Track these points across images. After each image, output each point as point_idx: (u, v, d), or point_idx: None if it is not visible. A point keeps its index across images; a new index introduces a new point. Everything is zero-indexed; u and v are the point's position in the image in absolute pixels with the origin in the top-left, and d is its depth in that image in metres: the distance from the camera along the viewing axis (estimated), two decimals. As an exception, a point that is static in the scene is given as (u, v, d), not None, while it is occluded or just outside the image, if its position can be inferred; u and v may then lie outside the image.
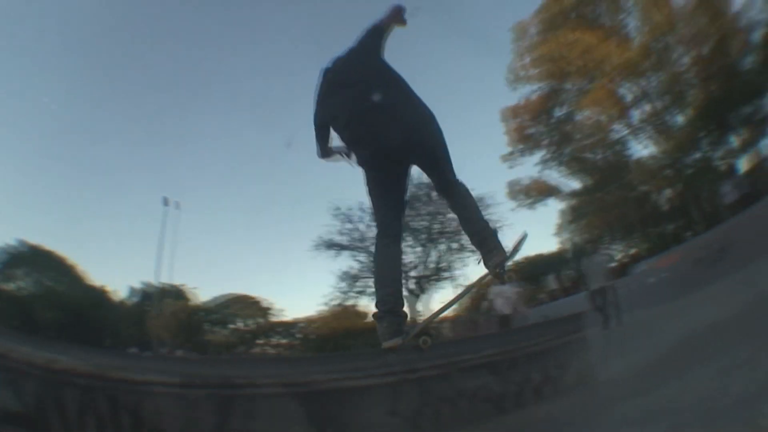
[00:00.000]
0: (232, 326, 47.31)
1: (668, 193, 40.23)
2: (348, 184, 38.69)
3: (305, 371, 4.99)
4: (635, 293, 16.21)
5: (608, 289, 13.58)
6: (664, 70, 36.02)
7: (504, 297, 14.47)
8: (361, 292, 38.10)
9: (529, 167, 43.95)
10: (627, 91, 37.39)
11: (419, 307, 35.98)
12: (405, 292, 33.16)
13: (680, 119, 36.57)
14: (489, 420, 4.47)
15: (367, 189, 3.57)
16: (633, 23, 37.63)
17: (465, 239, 31.96)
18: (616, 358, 5.14)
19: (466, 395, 4.82)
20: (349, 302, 39.95)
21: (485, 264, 3.42)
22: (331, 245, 37.47)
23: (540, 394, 4.55)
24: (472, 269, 41.81)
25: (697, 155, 35.59)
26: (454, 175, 3.67)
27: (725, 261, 14.40)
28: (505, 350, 4.73)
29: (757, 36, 34.59)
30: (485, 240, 3.46)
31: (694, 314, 7.58)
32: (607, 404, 4.10)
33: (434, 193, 34.00)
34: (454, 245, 37.70)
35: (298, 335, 47.37)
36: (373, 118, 3.35)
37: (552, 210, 50.23)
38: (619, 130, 38.91)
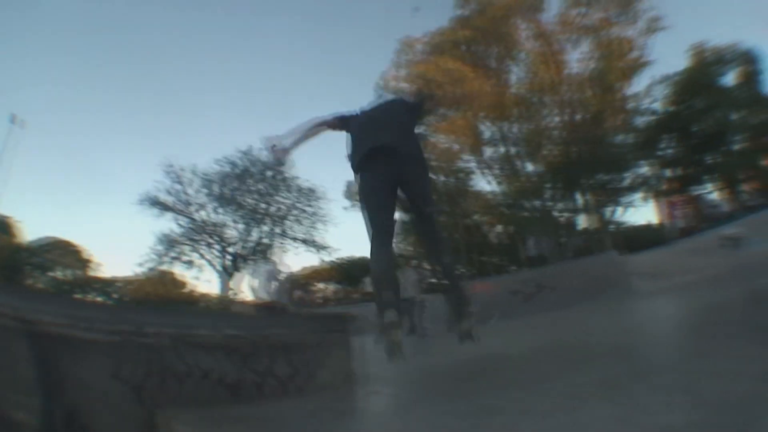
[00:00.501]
0: (51, 274, 43.82)
1: (500, 229, 44.46)
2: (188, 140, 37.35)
3: (37, 309, 4.44)
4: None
5: (415, 300, 14.47)
6: (532, 122, 39.20)
7: (410, 282, 14.69)
8: (176, 259, 37.26)
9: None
10: (487, 129, 40.11)
11: (231, 284, 36.01)
12: (220, 269, 32.47)
13: (530, 167, 39.64)
14: (220, 404, 4.26)
15: (362, 195, 4.00)
16: (518, 73, 40.64)
17: (289, 226, 31.62)
18: (382, 366, 5.22)
19: (196, 373, 4.54)
20: (164, 267, 38.87)
21: (457, 325, 4.07)
22: (156, 203, 36.18)
23: (285, 388, 4.39)
24: (290, 257, 42.03)
25: (537, 203, 38.97)
26: (433, 207, 4.29)
27: (539, 300, 15.37)
28: (249, 335, 4.50)
29: (639, 121, 41.76)
30: (459, 305, 4.07)
31: (491, 341, 8.01)
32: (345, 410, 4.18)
33: (269, 172, 33.71)
34: (277, 229, 37.80)
35: (114, 295, 44.83)
36: (386, 127, 4.10)
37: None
38: (468, 161, 41.69)
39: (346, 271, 54.54)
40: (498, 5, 37.09)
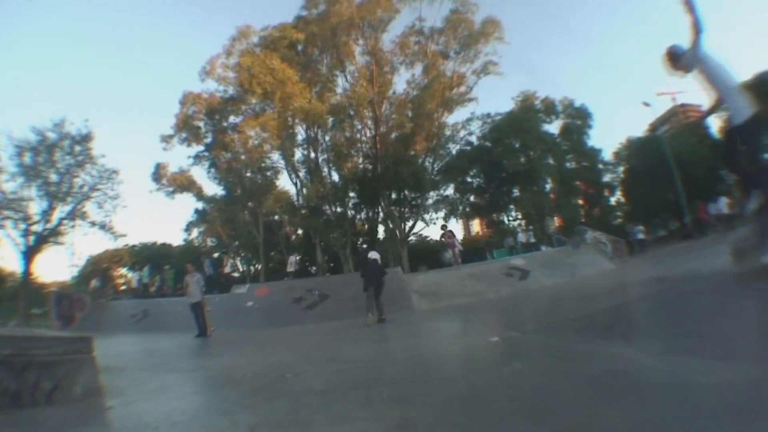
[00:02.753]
0: None
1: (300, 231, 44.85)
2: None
3: None
4: (237, 312, 16.38)
5: (200, 303, 14.75)
6: (342, 131, 40.25)
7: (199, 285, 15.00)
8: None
9: (183, 157, 43.79)
10: (300, 133, 40.96)
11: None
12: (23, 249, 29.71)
13: (335, 175, 41.08)
14: (5, 410, 4.60)
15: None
16: (343, 84, 41.58)
17: (90, 208, 29.50)
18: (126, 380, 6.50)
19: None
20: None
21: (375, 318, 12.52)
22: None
23: (51, 399, 4.95)
24: (87, 241, 39.86)
25: (339, 211, 40.46)
26: (381, 290, 13.37)
27: (320, 309, 16.54)
28: (21, 353, 4.94)
29: (452, 149, 44.74)
30: (379, 312, 12.75)
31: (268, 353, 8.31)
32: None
33: (78, 147, 31.39)
34: (81, 209, 35.41)
35: None
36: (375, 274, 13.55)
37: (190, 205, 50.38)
38: (277, 161, 42.16)
39: (148, 258, 51.81)
40: (340, 16, 37.49)
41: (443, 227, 27.83)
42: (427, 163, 42.48)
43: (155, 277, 36.45)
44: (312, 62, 40.12)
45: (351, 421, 3.21)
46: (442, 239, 24.95)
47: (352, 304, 15.28)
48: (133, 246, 61.21)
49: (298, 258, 35.98)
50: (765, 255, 5.50)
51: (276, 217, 42.68)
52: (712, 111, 6.45)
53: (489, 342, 5.84)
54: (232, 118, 39.38)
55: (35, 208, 32.60)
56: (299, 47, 39.09)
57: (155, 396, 5.36)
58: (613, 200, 53.74)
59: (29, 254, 32.15)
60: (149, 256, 54.95)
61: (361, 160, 42.32)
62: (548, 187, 46.47)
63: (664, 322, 4.94)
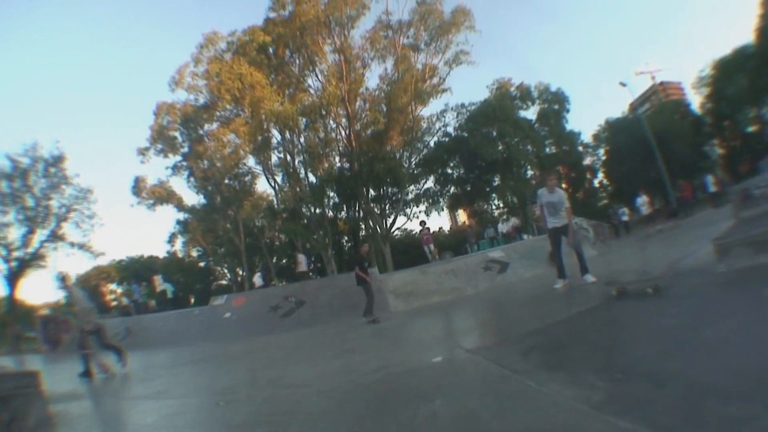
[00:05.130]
0: None
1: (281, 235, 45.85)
2: None
3: None
4: (215, 325, 16.58)
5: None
6: (318, 132, 41.15)
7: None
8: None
9: (161, 168, 44.06)
10: (276, 135, 40.84)
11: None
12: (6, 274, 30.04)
13: (311, 176, 41.18)
14: None
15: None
16: (315, 84, 41.51)
17: (68, 228, 29.76)
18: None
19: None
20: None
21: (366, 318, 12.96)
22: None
23: (11, 430, 5.33)
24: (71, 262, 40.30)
25: (318, 212, 40.80)
26: (368, 293, 13.50)
27: (297, 316, 16.63)
28: None
29: (429, 142, 45.59)
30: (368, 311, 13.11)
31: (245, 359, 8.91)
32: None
33: (52, 169, 31.41)
34: (60, 231, 36.70)
35: None
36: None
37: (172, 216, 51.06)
38: (251, 166, 42.93)
39: (135, 271, 52.17)
40: (306, 15, 37.39)
41: (422, 223, 28.05)
42: (404, 158, 42.91)
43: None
44: (283, 64, 40.48)
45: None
46: (421, 235, 25.10)
47: (328, 310, 15.78)
48: (120, 261, 61.48)
49: (312, 258, 35.93)
50: None
51: (258, 222, 43.02)
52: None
53: (430, 363, 5.85)
54: (206, 126, 39.42)
55: (15, 233, 32.88)
56: (269, 50, 39.15)
57: (99, 427, 5.69)
58: (596, 182, 54.43)
59: (13, 279, 32.41)
60: (137, 270, 55.29)
61: (337, 159, 42.85)
62: (529, 173, 46.91)
63: (620, 350, 4.62)
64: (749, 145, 44.20)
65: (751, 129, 46.82)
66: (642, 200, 31.65)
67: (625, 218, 32.48)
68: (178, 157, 40.65)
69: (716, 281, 6.57)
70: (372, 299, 13.15)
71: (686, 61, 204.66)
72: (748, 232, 7.15)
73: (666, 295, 6.58)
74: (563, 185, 48.85)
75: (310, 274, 29.14)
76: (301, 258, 29.20)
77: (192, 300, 48.17)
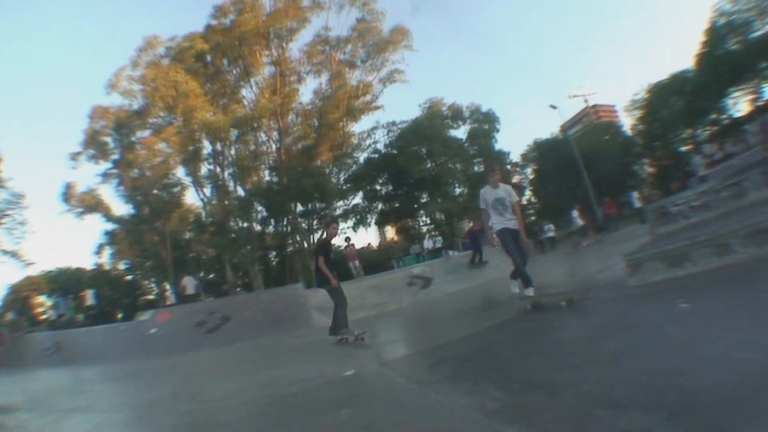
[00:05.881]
0: None
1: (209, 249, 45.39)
2: None
3: None
4: (141, 341, 16.66)
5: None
6: (246, 144, 41.51)
7: None
8: None
9: (91, 175, 43.18)
10: (205, 146, 41.13)
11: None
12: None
13: (240, 189, 42.14)
14: None
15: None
16: (249, 95, 42.21)
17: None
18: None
19: None
20: None
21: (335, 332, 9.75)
22: None
23: None
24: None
25: (245, 226, 41.58)
26: (337, 301, 9.78)
27: (223, 332, 16.26)
28: None
29: (359, 158, 46.23)
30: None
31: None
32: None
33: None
34: None
35: None
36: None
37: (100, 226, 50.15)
38: (180, 177, 42.37)
39: (63, 284, 50.89)
40: (246, 25, 38.15)
41: (346, 239, 28.67)
42: (333, 173, 43.58)
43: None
44: (219, 73, 40.60)
45: None
46: (345, 251, 25.57)
47: (252, 325, 15.83)
48: (50, 272, 59.80)
49: (200, 277, 35.57)
50: None
51: (186, 235, 42.63)
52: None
53: (342, 377, 6.09)
54: (139, 133, 38.90)
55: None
56: (207, 58, 39.33)
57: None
58: (524, 200, 55.99)
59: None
60: (64, 282, 53.88)
61: (267, 173, 43.38)
62: (458, 191, 47.78)
63: (522, 362, 4.91)
64: (680, 164, 46.06)
65: (685, 149, 49.33)
66: (575, 213, 33.11)
67: (551, 234, 33.62)
68: (109, 164, 39.84)
69: (627, 294, 7.10)
70: (343, 308, 9.79)
71: (623, 86, 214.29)
72: (660, 248, 7.76)
73: (577, 308, 7.04)
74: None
75: (201, 297, 28.78)
76: (187, 280, 28.60)
77: (119, 315, 47.18)
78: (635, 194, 38.27)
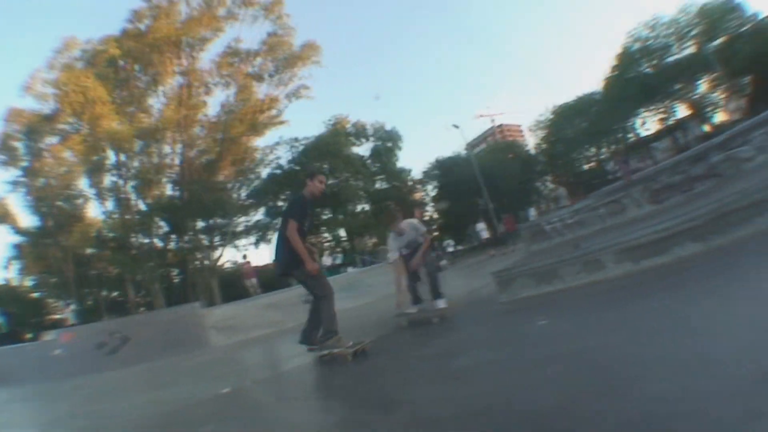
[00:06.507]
0: None
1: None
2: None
3: None
4: (45, 362, 16.59)
5: None
6: (150, 156, 40.72)
7: None
8: None
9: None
10: (109, 158, 40.11)
11: None
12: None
13: (142, 203, 41.26)
14: None
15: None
16: (157, 105, 41.78)
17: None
18: None
19: None
20: None
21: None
22: None
23: None
24: None
25: (147, 242, 41.21)
26: (321, 292, 6.43)
27: (124, 353, 15.79)
28: None
29: (262, 173, 46.56)
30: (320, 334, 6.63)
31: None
32: None
33: None
34: None
35: None
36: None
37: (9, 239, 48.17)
38: (81, 189, 41.28)
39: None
40: (159, 32, 38.28)
41: (243, 257, 29.10)
42: (235, 188, 44.42)
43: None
44: (130, 80, 39.92)
45: None
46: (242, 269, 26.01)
47: (151, 346, 15.48)
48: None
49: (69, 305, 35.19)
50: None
51: (89, 250, 41.62)
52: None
53: (219, 394, 6.13)
54: (48, 140, 38.22)
55: None
56: (120, 63, 38.61)
57: None
58: (426, 216, 57.75)
59: None
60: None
61: (169, 187, 43.02)
62: (360, 208, 49.27)
63: (372, 379, 5.11)
64: (583, 180, 49.64)
65: (587, 166, 53.82)
66: (481, 226, 34.64)
67: (450, 250, 34.59)
68: (19, 172, 38.91)
69: (496, 311, 7.24)
70: (329, 302, 6.54)
71: (535, 107, 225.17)
72: (529, 265, 7.89)
73: (446, 325, 7.18)
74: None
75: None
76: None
77: (28, 335, 45.44)
78: (533, 210, 40.31)
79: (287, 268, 6.51)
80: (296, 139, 46.80)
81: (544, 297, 7.03)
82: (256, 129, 43.00)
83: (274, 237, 42.25)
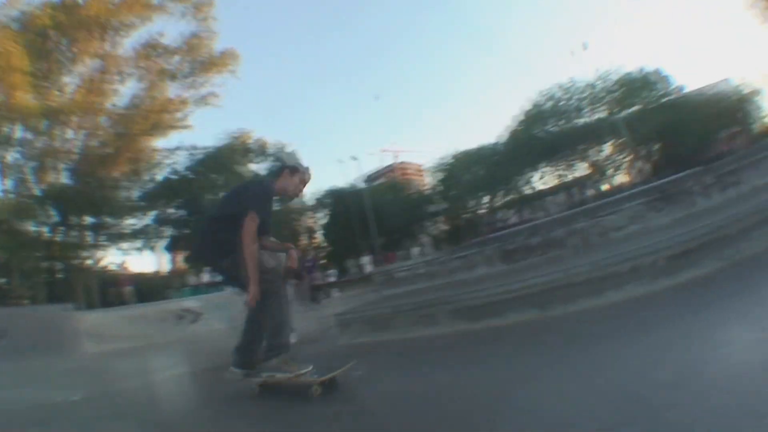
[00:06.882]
0: None
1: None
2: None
3: None
4: None
5: None
6: (52, 138, 38.22)
7: None
8: None
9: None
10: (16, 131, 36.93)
11: None
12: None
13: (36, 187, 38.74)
14: None
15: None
16: (71, 84, 39.19)
17: None
18: None
19: None
20: None
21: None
22: None
23: None
24: None
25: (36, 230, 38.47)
26: (268, 288, 4.82)
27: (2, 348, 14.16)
28: None
29: (155, 176, 44.18)
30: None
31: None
32: None
33: None
34: None
35: None
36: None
37: None
38: None
39: None
40: (90, 9, 35.98)
41: (123, 262, 28.16)
42: (128, 188, 42.52)
43: None
44: (54, 52, 36.66)
45: None
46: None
47: (29, 340, 14.11)
48: None
49: None
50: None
51: None
52: None
53: (66, 402, 6.00)
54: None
55: None
56: (51, 34, 35.47)
57: None
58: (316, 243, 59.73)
59: None
60: None
61: (64, 175, 40.13)
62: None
63: (152, 417, 5.10)
64: (474, 224, 51.00)
65: (481, 212, 55.07)
66: (366, 259, 35.10)
67: (332, 279, 36.20)
68: None
69: (331, 353, 6.85)
70: (279, 310, 4.78)
71: (439, 146, 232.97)
72: (365, 311, 7.95)
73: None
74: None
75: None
76: None
77: None
78: (417, 249, 41.01)
79: (215, 257, 5.09)
80: (195, 147, 44.76)
81: (378, 345, 6.93)
82: (160, 129, 41.08)
83: (159, 245, 45.08)
